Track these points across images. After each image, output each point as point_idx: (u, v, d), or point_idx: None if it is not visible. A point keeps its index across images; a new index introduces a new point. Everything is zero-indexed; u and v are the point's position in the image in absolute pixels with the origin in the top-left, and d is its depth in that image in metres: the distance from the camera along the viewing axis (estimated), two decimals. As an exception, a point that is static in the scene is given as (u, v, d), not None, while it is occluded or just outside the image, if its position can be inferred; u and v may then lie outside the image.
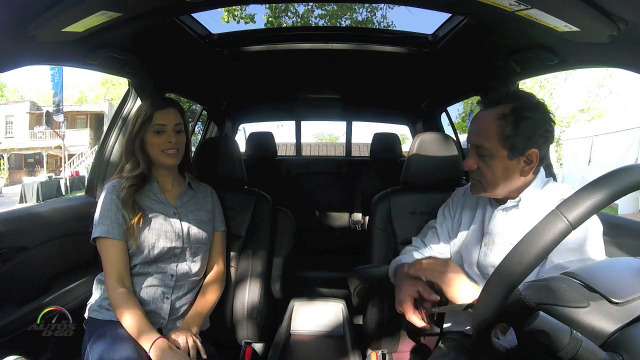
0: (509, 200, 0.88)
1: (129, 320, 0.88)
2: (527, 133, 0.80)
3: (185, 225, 1.05)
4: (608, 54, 0.82)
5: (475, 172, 0.87)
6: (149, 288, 0.98)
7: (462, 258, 0.96)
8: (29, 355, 0.76)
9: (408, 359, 1.03)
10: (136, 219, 0.97)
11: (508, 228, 0.88)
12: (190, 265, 1.05)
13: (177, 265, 1.02)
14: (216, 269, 1.11)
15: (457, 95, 1.89)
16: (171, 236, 1.01)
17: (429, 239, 1.05)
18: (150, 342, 0.84)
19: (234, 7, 6.56)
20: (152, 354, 0.83)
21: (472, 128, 0.88)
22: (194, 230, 1.06)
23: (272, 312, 1.24)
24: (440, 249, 1.03)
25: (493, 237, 0.90)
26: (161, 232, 1.00)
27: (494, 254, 0.89)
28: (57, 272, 1.11)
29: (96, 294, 1.00)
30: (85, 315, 0.98)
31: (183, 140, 1.06)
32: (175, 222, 1.04)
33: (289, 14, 7.25)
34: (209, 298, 1.05)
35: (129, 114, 1.36)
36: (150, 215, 1.00)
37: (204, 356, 0.89)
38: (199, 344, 0.90)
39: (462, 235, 0.98)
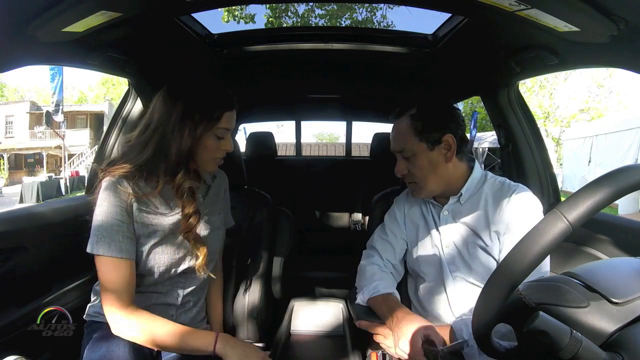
0: (450, 198, 0.95)
1: (172, 337, 0.77)
2: (436, 122, 0.90)
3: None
4: (608, 54, 0.82)
5: (407, 176, 0.95)
6: (153, 307, 0.88)
7: (419, 263, 0.99)
8: (29, 355, 0.76)
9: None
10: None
11: (459, 225, 0.94)
12: (199, 279, 0.95)
13: (185, 283, 0.92)
14: (218, 270, 1.07)
15: (457, 95, 1.89)
16: (185, 256, 0.88)
17: (384, 250, 1.05)
18: (212, 339, 0.79)
19: (234, 7, 6.57)
20: (222, 351, 0.78)
21: (391, 138, 0.97)
22: (208, 243, 0.92)
23: (272, 312, 1.24)
24: (394, 260, 1.05)
25: (450, 237, 0.95)
26: (175, 252, 0.87)
27: (457, 253, 0.93)
28: (57, 272, 1.11)
29: (95, 298, 0.94)
30: (85, 317, 0.95)
31: None
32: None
33: (289, 14, 7.25)
34: (219, 305, 1.06)
35: (129, 114, 1.36)
36: (162, 237, 0.85)
37: None
38: None
39: (417, 241, 1.01)
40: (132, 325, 0.77)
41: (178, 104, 0.82)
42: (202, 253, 0.87)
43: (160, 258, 0.85)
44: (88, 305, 0.95)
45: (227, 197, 1.06)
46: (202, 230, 0.92)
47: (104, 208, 0.78)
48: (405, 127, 0.92)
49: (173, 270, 0.88)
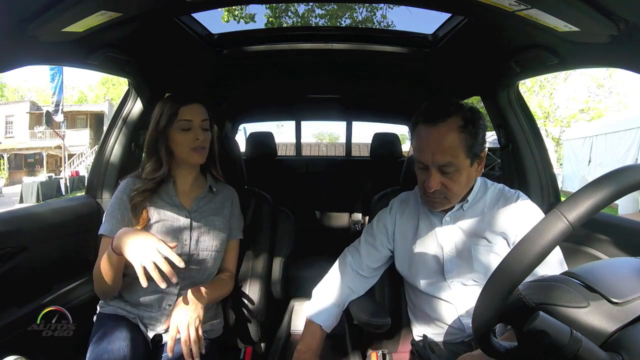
0: (455, 205, 0.92)
1: (101, 264, 0.85)
2: (482, 137, 0.84)
3: (195, 232, 1.00)
4: (608, 54, 0.82)
5: (438, 191, 0.86)
6: (151, 294, 0.95)
7: (417, 270, 0.98)
8: (29, 355, 0.76)
9: (408, 359, 1.03)
10: (139, 227, 0.93)
11: (461, 229, 0.93)
12: (197, 274, 1.00)
13: (184, 274, 0.97)
14: (227, 273, 1.08)
15: (457, 95, 1.89)
16: (178, 243, 0.96)
17: (367, 254, 1.05)
18: (110, 241, 0.83)
19: (234, 7, 6.57)
20: (116, 244, 0.80)
21: (430, 147, 0.83)
22: (204, 238, 1.02)
23: (273, 312, 1.23)
24: (373, 264, 1.04)
25: (452, 241, 0.93)
26: (167, 239, 0.94)
27: (460, 257, 0.92)
28: (57, 272, 1.11)
29: None
30: (97, 309, 0.99)
31: (209, 138, 1.03)
32: (185, 228, 0.99)
33: (289, 13, 7.25)
34: (220, 289, 1.02)
35: (129, 114, 1.36)
36: (159, 219, 0.97)
37: (202, 350, 0.87)
38: (200, 334, 0.86)
39: (413, 248, 0.99)
40: (94, 277, 0.89)
41: (154, 108, 1.00)
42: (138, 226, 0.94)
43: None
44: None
45: (235, 209, 1.13)
46: (202, 225, 1.02)
47: (112, 201, 0.98)
48: (455, 140, 0.81)
49: None
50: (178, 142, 0.98)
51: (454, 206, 0.93)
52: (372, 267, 1.05)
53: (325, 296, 1.00)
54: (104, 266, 0.85)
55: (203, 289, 0.93)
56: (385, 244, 1.04)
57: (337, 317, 0.99)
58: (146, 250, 0.76)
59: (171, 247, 0.79)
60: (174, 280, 0.78)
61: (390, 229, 1.05)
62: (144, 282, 0.75)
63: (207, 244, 1.02)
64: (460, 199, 0.92)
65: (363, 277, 1.05)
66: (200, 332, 0.86)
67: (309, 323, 0.97)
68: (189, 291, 0.91)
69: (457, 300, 0.92)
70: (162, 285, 0.76)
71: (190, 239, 1.00)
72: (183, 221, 0.99)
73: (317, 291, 1.03)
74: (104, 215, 0.96)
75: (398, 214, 1.05)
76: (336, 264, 1.07)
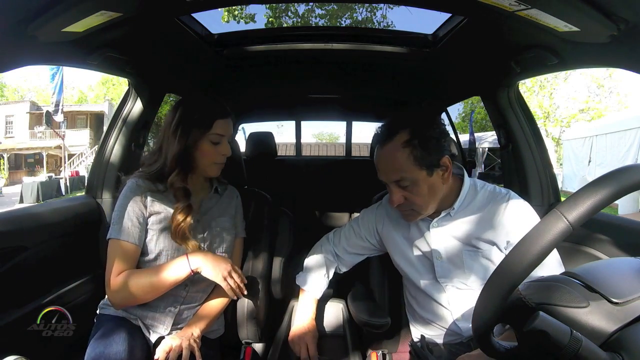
0: (442, 212, 0.92)
1: (152, 276, 0.87)
2: (435, 147, 0.84)
3: (207, 235, 1.01)
4: (608, 54, 0.82)
5: (404, 205, 0.89)
6: (162, 297, 0.93)
7: (411, 273, 0.99)
8: (29, 355, 0.76)
9: (408, 359, 1.03)
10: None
11: (451, 235, 0.92)
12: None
13: (193, 275, 0.95)
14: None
15: (457, 95, 1.89)
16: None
17: (346, 238, 1.12)
18: (185, 261, 0.88)
19: (234, 7, 6.58)
20: (197, 265, 0.88)
21: (381, 168, 0.89)
22: (216, 239, 1.02)
23: (273, 312, 1.23)
24: (352, 249, 1.11)
25: (442, 248, 0.93)
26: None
27: (450, 263, 0.92)
28: (57, 272, 1.11)
29: None
30: (97, 311, 0.99)
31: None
32: (197, 230, 0.99)
33: (289, 13, 7.26)
34: (219, 301, 1.02)
35: (129, 114, 1.36)
36: (172, 223, 0.94)
37: None
38: (196, 349, 0.88)
39: (404, 251, 1.00)
40: (118, 285, 0.86)
41: (176, 115, 0.95)
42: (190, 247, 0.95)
43: (166, 242, 0.95)
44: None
45: (238, 209, 1.14)
46: (212, 227, 1.03)
47: (120, 202, 0.93)
48: (401, 156, 0.83)
49: (177, 255, 0.95)
50: (205, 153, 0.96)
51: (440, 213, 0.92)
52: (348, 250, 1.11)
53: (313, 266, 1.12)
54: (164, 282, 0.87)
55: (201, 323, 0.96)
56: (366, 235, 1.08)
57: (325, 285, 1.11)
58: (224, 268, 0.90)
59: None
60: (245, 292, 0.94)
61: (372, 224, 1.07)
62: (233, 294, 0.92)
63: (218, 244, 1.03)
64: (447, 205, 0.92)
65: (337, 254, 1.12)
66: (196, 353, 0.88)
67: (302, 291, 1.11)
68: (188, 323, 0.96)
69: (453, 305, 0.92)
70: (235, 296, 0.92)
71: (204, 242, 1.00)
72: (195, 226, 0.98)
73: (306, 262, 1.14)
74: (114, 217, 0.91)
75: (386, 211, 1.06)
76: (322, 238, 1.20)
